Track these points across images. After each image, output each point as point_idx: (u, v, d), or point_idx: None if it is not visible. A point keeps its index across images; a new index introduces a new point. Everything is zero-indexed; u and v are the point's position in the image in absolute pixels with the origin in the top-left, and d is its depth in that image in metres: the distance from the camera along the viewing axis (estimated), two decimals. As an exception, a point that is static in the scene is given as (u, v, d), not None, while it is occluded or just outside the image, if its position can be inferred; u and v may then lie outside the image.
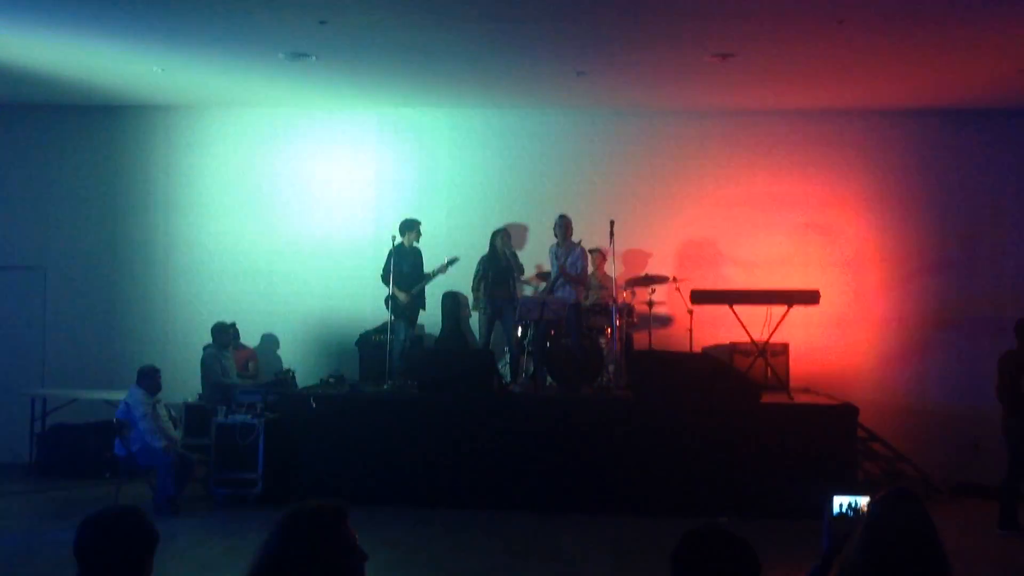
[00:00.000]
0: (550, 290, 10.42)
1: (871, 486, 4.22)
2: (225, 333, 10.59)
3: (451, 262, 10.42)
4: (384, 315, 10.52)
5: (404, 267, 10.46)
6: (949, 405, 10.89)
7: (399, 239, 10.56)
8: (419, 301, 10.60)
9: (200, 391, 10.54)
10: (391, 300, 10.43)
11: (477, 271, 10.70)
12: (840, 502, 3.38)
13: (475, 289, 10.82)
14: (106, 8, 8.08)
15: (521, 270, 10.56)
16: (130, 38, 8.94)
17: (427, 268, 10.55)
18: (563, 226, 10.44)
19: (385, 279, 10.47)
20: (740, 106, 11.23)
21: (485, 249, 10.60)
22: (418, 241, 10.64)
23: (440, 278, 10.60)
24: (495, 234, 10.54)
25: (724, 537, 2.67)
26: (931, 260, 11.23)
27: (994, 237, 11.19)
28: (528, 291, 11.22)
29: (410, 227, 10.62)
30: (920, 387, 11.05)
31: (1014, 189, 11.21)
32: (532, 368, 10.37)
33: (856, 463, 9.50)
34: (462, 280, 10.93)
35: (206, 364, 10.43)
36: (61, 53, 9.42)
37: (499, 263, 10.45)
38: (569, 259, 10.28)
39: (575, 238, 10.42)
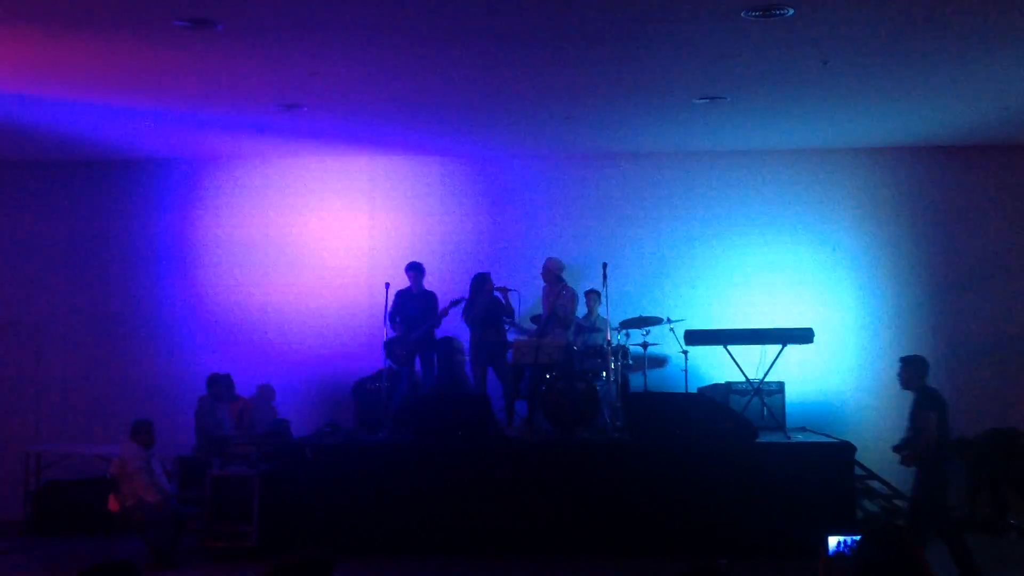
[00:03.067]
0: (540, 332, 10.42)
1: (869, 524, 4.21)
2: (219, 384, 10.53)
3: (454, 304, 10.37)
4: (379, 362, 10.47)
5: (410, 310, 10.43)
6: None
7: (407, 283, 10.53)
8: (420, 344, 10.51)
9: (194, 443, 10.47)
10: (389, 345, 10.39)
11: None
12: (836, 541, 3.37)
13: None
14: (95, 64, 8.12)
15: (511, 313, 10.53)
16: (120, 93, 8.99)
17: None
18: (548, 270, 10.59)
19: (392, 321, 10.42)
20: (728, 147, 11.33)
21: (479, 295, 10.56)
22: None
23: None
24: (481, 279, 10.50)
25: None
26: (925, 296, 11.26)
27: (988, 272, 11.21)
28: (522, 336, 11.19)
29: (411, 268, 10.61)
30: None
31: (1006, 224, 11.27)
32: (528, 412, 10.34)
33: (854, 501, 9.45)
34: (456, 324, 10.87)
35: (200, 416, 10.37)
36: (51, 109, 9.46)
37: (484, 309, 10.43)
38: (559, 302, 10.36)
39: (569, 282, 10.50)
